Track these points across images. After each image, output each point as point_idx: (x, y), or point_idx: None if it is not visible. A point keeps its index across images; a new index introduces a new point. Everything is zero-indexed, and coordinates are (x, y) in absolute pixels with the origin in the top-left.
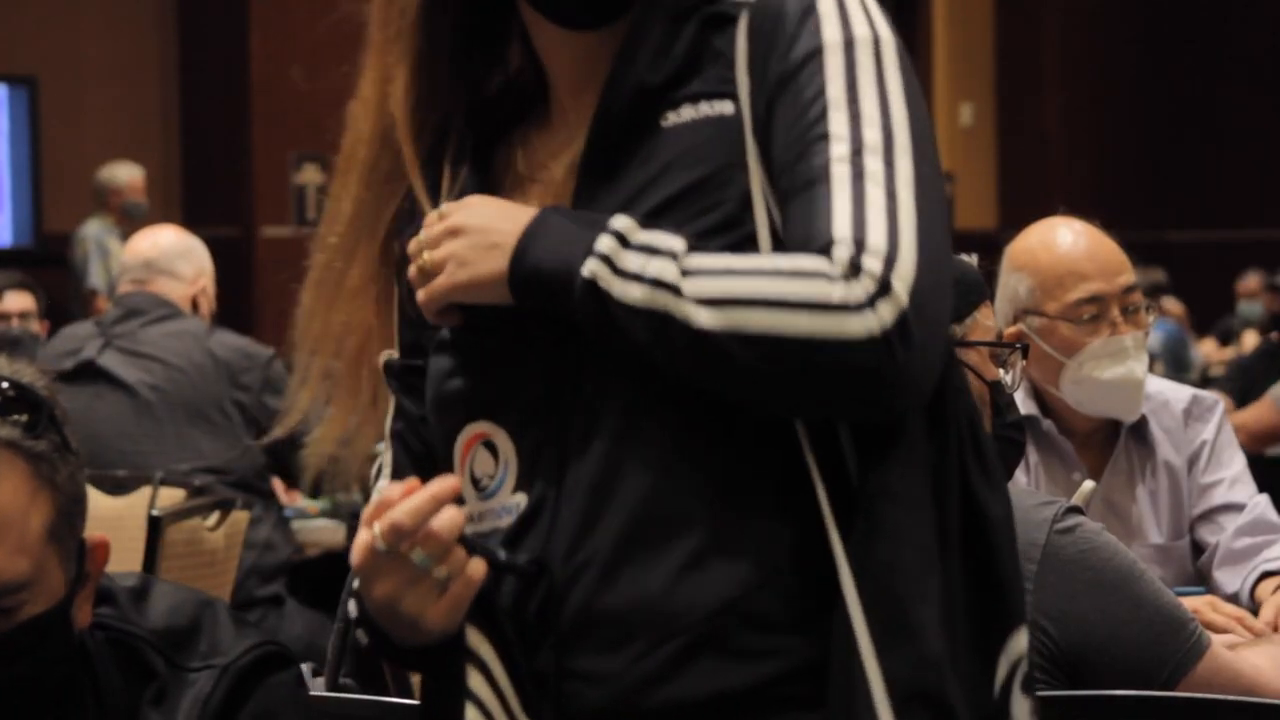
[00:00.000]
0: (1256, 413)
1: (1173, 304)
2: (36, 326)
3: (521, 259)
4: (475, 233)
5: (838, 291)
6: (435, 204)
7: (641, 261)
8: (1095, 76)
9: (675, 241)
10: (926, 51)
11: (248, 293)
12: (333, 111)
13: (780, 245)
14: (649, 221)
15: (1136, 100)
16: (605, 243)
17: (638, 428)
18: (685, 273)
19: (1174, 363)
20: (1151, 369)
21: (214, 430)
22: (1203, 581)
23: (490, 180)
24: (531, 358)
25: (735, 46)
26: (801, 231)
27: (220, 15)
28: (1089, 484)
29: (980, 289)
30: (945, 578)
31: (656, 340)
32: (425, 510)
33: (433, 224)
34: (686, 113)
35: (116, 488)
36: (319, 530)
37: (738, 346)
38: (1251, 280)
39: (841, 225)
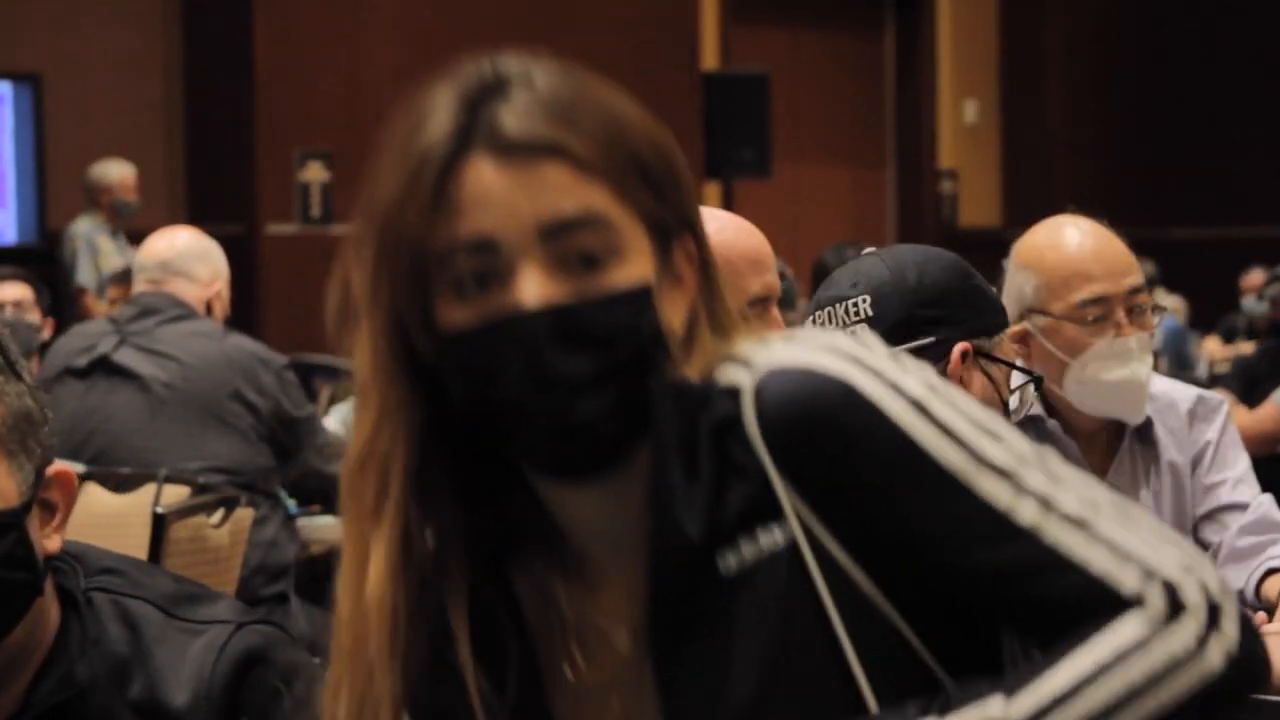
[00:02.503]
0: (1258, 416)
1: (1176, 300)
2: (36, 318)
3: None
4: None
5: (1179, 638)
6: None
7: None
8: (1099, 73)
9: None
10: (931, 48)
11: (252, 290)
12: (336, 109)
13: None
14: (761, 707)
15: (1141, 97)
16: None
17: None
18: None
19: (1176, 359)
20: (1155, 366)
21: (226, 431)
22: None
23: (530, 641)
24: None
25: (760, 460)
26: (1064, 613)
27: (224, 13)
28: None
29: (1003, 314)
30: None
31: None
32: None
33: None
34: (746, 551)
35: (121, 485)
36: (324, 528)
37: None
38: (1255, 276)
39: (1120, 574)
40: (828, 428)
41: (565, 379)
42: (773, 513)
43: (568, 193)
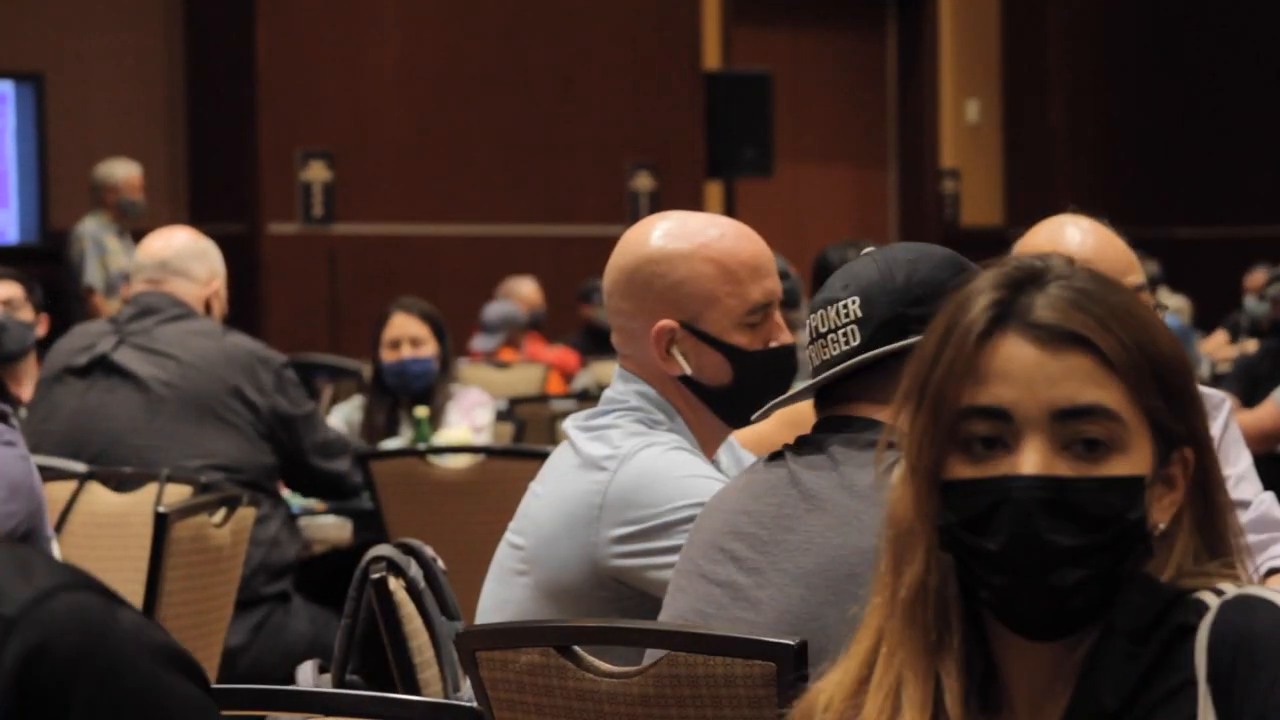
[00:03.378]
0: (1258, 415)
1: (1180, 300)
2: (28, 316)
3: None
4: None
5: None
6: None
7: None
8: (1101, 72)
9: None
10: (933, 48)
11: (253, 289)
12: (338, 109)
13: None
14: None
15: (1143, 96)
16: None
17: None
18: None
19: None
20: None
21: (225, 429)
22: None
23: None
24: None
25: (1195, 665)
26: None
27: (226, 12)
28: None
29: None
30: None
31: None
32: None
33: None
34: None
35: (123, 484)
36: (326, 527)
37: None
38: (1258, 276)
39: None
40: (1269, 659)
41: (1050, 545)
42: (1188, 715)
43: (1086, 383)
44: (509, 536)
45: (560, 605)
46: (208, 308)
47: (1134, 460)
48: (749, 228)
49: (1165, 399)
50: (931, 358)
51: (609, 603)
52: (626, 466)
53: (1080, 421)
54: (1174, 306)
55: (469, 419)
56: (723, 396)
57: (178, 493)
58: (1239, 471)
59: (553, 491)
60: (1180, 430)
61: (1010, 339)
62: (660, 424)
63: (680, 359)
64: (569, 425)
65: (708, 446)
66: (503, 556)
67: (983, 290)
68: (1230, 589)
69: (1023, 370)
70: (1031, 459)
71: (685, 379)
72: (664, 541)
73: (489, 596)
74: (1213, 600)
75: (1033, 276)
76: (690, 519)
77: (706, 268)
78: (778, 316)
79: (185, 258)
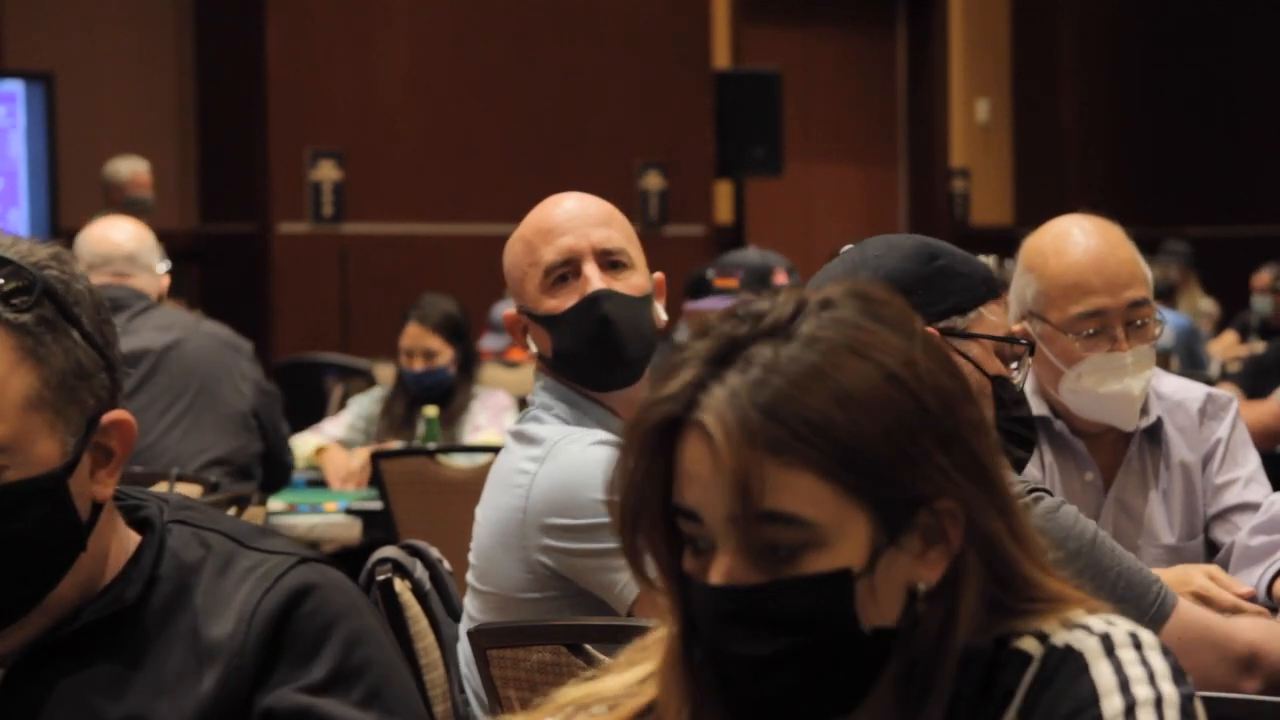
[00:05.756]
0: (1260, 413)
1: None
2: None
3: None
4: None
5: None
6: None
7: None
8: (1111, 71)
9: None
10: (943, 48)
11: (263, 288)
12: (348, 108)
13: None
14: None
15: (1153, 95)
16: None
17: None
18: None
19: (1188, 358)
20: (1166, 365)
21: (217, 419)
22: None
23: None
24: None
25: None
26: None
27: (237, 11)
28: None
29: (989, 285)
30: None
31: None
32: None
33: None
34: None
35: (132, 485)
36: (335, 526)
37: None
38: (1265, 275)
39: None
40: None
41: (744, 657)
42: None
43: (766, 489)
44: (469, 553)
45: (509, 616)
46: (159, 298)
47: (837, 552)
48: (581, 194)
49: (876, 478)
50: (629, 446)
51: (558, 601)
52: (545, 468)
53: (763, 527)
54: (1204, 309)
55: (498, 424)
56: (559, 366)
57: (187, 492)
58: (1248, 473)
59: (489, 502)
60: (924, 490)
61: (693, 437)
62: (578, 409)
63: (532, 344)
64: (506, 430)
65: (623, 412)
66: (469, 572)
67: (687, 363)
68: (1054, 631)
69: (706, 474)
70: (719, 567)
71: (542, 359)
72: (590, 544)
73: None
74: (1036, 654)
75: (733, 348)
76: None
77: (516, 247)
78: (589, 270)
79: (145, 251)
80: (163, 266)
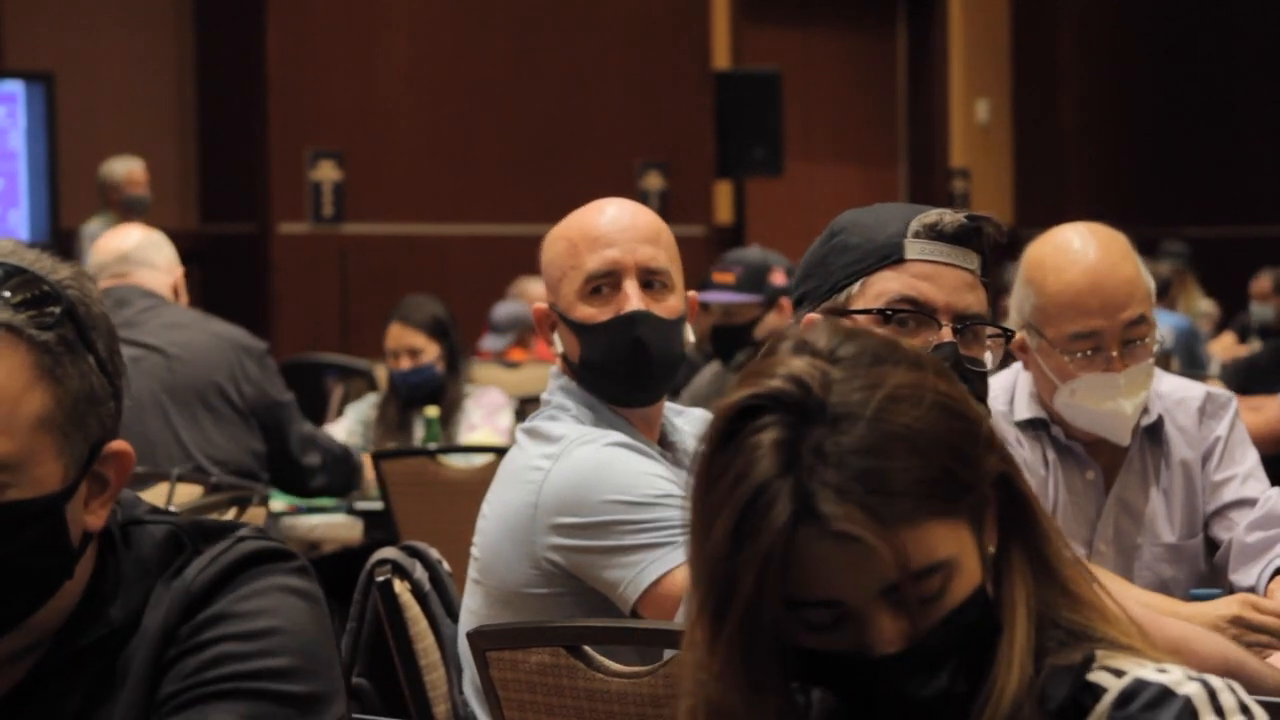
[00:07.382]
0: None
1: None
2: None
3: None
4: None
5: None
6: None
7: None
8: (1112, 72)
9: None
10: (943, 48)
11: (264, 289)
12: (348, 108)
13: None
14: None
15: (1153, 95)
16: None
17: None
18: None
19: (1187, 359)
20: (1166, 366)
21: (219, 419)
22: (1216, 580)
23: None
24: None
25: None
26: None
27: (237, 12)
28: None
29: (884, 251)
30: None
31: None
32: None
33: None
34: None
35: (134, 484)
36: (336, 526)
37: None
38: (1264, 281)
39: None
40: None
41: (924, 699)
42: None
43: (910, 554)
44: (472, 547)
45: (513, 610)
46: (175, 295)
47: (968, 571)
48: (634, 204)
49: (964, 484)
50: (725, 552)
51: (562, 598)
52: (559, 465)
53: (919, 585)
54: (1203, 310)
55: (492, 422)
56: (583, 374)
57: (188, 492)
58: (1246, 469)
59: (497, 497)
60: (987, 478)
61: (812, 538)
62: (595, 413)
63: (558, 341)
64: (518, 428)
65: (639, 426)
66: (469, 566)
67: (767, 478)
68: (1128, 667)
69: (838, 566)
70: (886, 636)
71: (566, 360)
72: (597, 540)
73: (462, 605)
74: (1113, 688)
75: (792, 448)
76: (622, 520)
77: (559, 245)
78: (630, 288)
79: (144, 248)
80: (171, 262)
